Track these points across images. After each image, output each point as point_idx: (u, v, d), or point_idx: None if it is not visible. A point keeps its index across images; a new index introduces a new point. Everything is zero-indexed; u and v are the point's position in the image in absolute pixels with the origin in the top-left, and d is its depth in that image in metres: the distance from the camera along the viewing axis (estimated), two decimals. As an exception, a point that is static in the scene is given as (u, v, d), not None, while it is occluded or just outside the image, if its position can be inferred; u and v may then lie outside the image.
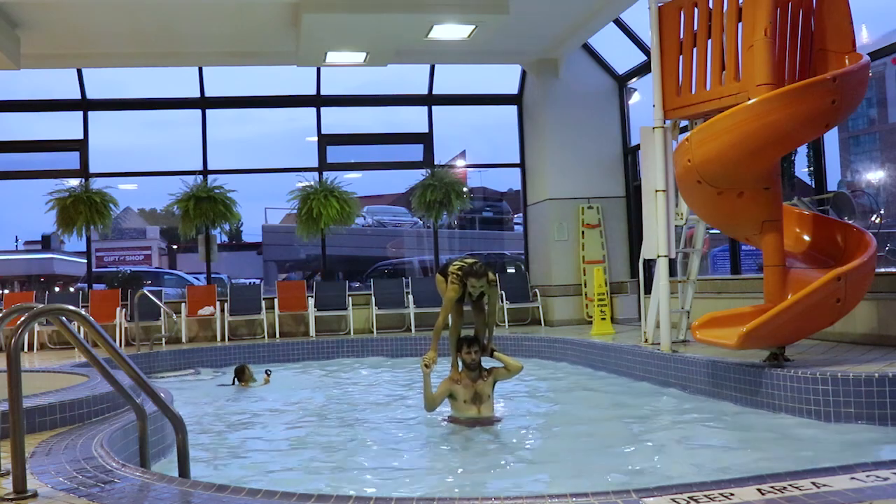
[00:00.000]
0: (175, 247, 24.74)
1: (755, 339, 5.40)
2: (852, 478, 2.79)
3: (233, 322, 11.65)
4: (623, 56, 11.99)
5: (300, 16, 8.96)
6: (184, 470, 3.41)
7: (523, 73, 12.91)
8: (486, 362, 5.78)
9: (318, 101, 12.73)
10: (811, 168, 8.68)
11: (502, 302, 11.70)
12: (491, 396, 5.70)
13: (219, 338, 11.41)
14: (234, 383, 8.24)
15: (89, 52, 10.80)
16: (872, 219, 9.38)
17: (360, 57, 10.33)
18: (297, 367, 9.90)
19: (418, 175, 12.82)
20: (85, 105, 12.29)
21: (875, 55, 7.37)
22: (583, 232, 12.08)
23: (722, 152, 5.49)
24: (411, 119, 23.78)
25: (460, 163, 15.19)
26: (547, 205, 12.18)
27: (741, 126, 5.40)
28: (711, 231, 8.38)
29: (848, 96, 5.48)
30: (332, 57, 10.28)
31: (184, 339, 11.29)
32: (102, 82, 21.70)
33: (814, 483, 2.73)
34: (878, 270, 6.18)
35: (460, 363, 5.70)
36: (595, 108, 12.30)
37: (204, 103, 12.50)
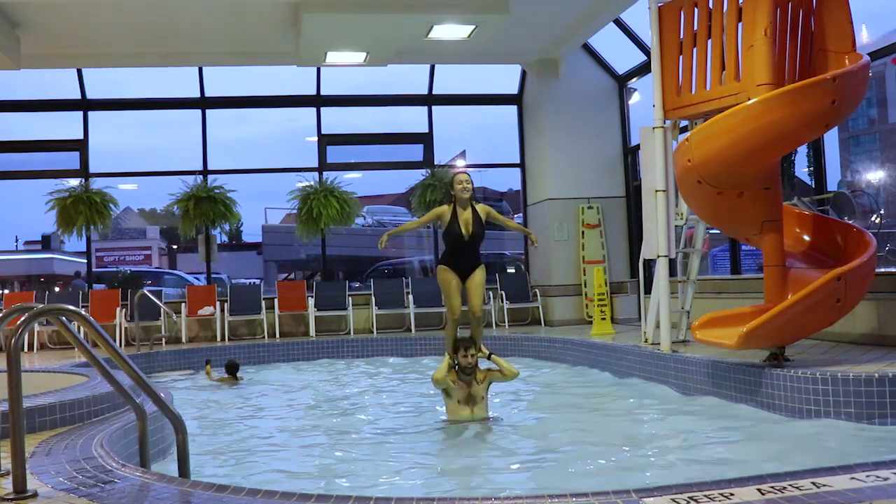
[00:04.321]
0: (175, 247, 24.78)
1: (755, 339, 5.40)
2: (852, 478, 2.79)
3: (233, 322, 11.65)
4: (623, 56, 12.00)
5: (300, 16, 8.96)
6: (184, 470, 3.41)
7: (523, 73, 12.91)
8: (482, 364, 5.79)
9: (318, 101, 12.73)
10: (811, 168, 8.68)
11: (502, 302, 11.70)
12: (485, 398, 5.70)
13: (219, 338, 11.41)
14: (227, 376, 8.51)
15: (89, 52, 10.79)
16: (872, 219, 9.36)
17: (360, 57, 10.33)
18: (296, 368, 9.89)
19: (418, 175, 12.82)
20: (85, 105, 12.29)
21: (875, 55, 7.37)
22: (583, 232, 12.08)
23: (722, 152, 5.49)
24: (411, 119, 23.83)
25: (460, 163, 15.17)
26: (547, 205, 12.18)
27: (741, 126, 5.40)
28: (711, 231, 8.38)
29: (848, 96, 5.48)
30: (332, 57, 10.28)
31: (184, 339, 11.28)
32: (102, 82, 21.76)
33: (814, 483, 2.73)
34: (878, 270, 6.18)
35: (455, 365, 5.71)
36: (595, 108, 12.30)
37: (204, 103, 12.50)
